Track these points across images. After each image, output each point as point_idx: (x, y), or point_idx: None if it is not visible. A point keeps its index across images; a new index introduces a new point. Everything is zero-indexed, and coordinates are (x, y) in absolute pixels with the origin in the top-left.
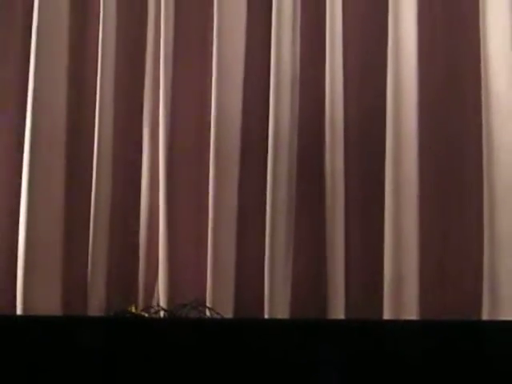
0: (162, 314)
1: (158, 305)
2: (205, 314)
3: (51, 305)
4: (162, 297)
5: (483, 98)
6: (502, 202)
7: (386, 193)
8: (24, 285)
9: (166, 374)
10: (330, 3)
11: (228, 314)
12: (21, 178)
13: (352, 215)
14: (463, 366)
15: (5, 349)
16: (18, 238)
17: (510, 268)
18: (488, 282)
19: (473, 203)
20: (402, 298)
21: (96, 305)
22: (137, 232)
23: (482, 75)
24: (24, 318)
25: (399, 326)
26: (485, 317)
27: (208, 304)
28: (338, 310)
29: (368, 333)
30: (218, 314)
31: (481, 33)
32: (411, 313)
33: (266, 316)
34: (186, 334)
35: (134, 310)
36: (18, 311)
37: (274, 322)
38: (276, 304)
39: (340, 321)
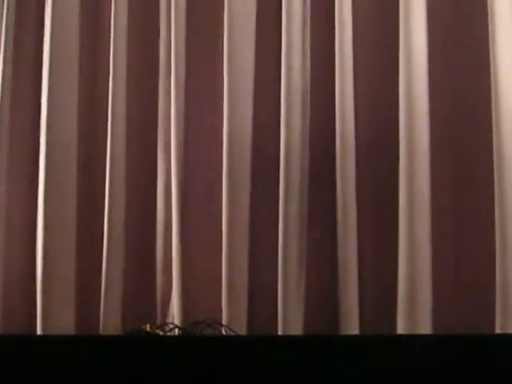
0: (176, 331)
1: (173, 322)
2: (219, 331)
3: (67, 324)
4: (176, 314)
5: (493, 112)
6: (510, 216)
7: (400, 207)
8: (42, 303)
9: None
10: (340, 17)
11: (242, 330)
12: (37, 191)
13: (364, 230)
14: (478, 381)
15: (21, 368)
16: (36, 255)
17: None
18: (500, 295)
19: (485, 216)
20: (415, 313)
21: (110, 323)
22: (152, 249)
23: (493, 89)
24: (39, 338)
25: (413, 341)
26: (498, 330)
27: (222, 321)
28: (351, 326)
29: (382, 348)
30: (232, 331)
31: (490, 47)
32: (425, 328)
33: (280, 332)
34: (200, 351)
35: (148, 328)
36: (38, 331)
37: (288, 338)
38: (289, 320)
39: (354, 336)
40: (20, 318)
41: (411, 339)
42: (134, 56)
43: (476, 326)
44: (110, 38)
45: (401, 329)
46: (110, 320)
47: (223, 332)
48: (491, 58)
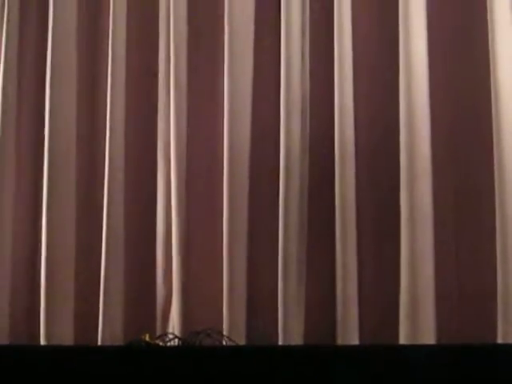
0: (176, 341)
1: (172, 333)
2: (219, 341)
3: (67, 334)
4: (176, 324)
5: (494, 122)
6: (510, 222)
7: (401, 215)
8: (46, 314)
9: None
10: (339, 22)
11: (241, 340)
12: (41, 200)
13: (365, 239)
14: None
15: (22, 378)
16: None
17: None
18: (501, 304)
19: (486, 225)
20: (417, 323)
21: (110, 333)
22: (151, 260)
23: (493, 98)
24: (39, 349)
25: (414, 351)
26: (499, 339)
27: (222, 331)
28: (352, 336)
29: (383, 358)
30: (232, 341)
31: (491, 55)
32: (427, 338)
33: (280, 342)
34: (200, 361)
35: (148, 338)
36: (42, 341)
37: (287, 348)
38: (289, 330)
39: (354, 346)
40: (24, 328)
41: (412, 349)
42: (133, 60)
43: (478, 336)
44: (108, 41)
45: (403, 339)
46: (109, 330)
47: (223, 342)
48: (491, 66)
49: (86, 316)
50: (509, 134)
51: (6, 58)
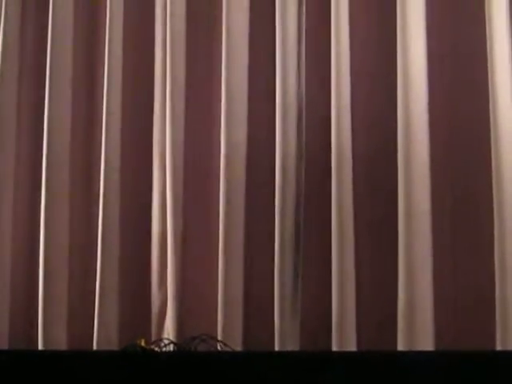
0: (171, 347)
1: (168, 338)
2: (214, 346)
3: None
4: (171, 330)
5: (492, 131)
6: (509, 234)
7: (399, 221)
8: (44, 319)
9: None
10: (336, 28)
11: (237, 346)
12: (39, 207)
13: (362, 244)
14: None
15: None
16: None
17: None
18: (500, 310)
19: (484, 232)
20: (416, 329)
21: (105, 339)
22: (147, 264)
23: (491, 107)
24: (34, 353)
25: (412, 358)
26: (498, 346)
27: (218, 337)
28: (349, 342)
29: (380, 365)
30: (227, 346)
31: (489, 67)
32: (425, 344)
33: (276, 348)
34: (195, 367)
35: (143, 343)
36: (40, 346)
37: (284, 354)
38: (286, 336)
39: (352, 353)
40: (22, 333)
41: (410, 355)
42: (129, 62)
43: (476, 342)
44: (105, 43)
45: (401, 345)
46: (104, 335)
47: (218, 347)
48: (489, 71)
49: (80, 321)
50: (506, 139)
51: (5, 57)
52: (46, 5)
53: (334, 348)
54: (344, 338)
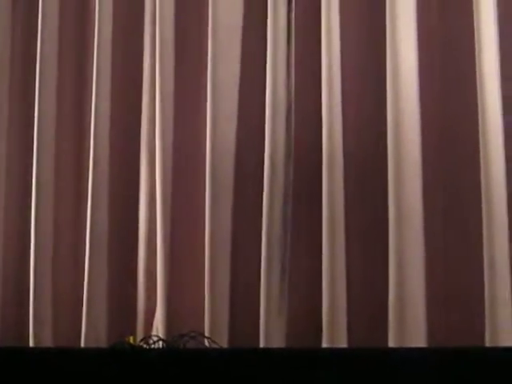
0: (160, 344)
1: (157, 335)
2: (203, 343)
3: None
4: (160, 327)
5: (480, 130)
6: (498, 233)
7: (390, 220)
8: (34, 317)
9: None
10: (327, 29)
11: (225, 343)
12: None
13: (353, 243)
14: None
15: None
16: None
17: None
18: (489, 307)
19: (473, 235)
20: (407, 326)
21: (93, 336)
22: (135, 262)
23: (480, 111)
24: (20, 350)
25: (403, 355)
26: (487, 343)
27: (206, 334)
28: (340, 340)
29: (371, 361)
30: (216, 343)
31: (477, 69)
32: (416, 342)
33: (262, 345)
34: (184, 364)
35: (132, 340)
36: (31, 343)
37: (272, 351)
38: (272, 334)
39: (341, 349)
40: (13, 331)
41: (401, 352)
42: (117, 70)
43: (466, 339)
44: (93, 48)
45: (392, 343)
46: (93, 333)
47: (207, 344)
48: (477, 72)
49: (68, 319)
50: (495, 141)
51: None
52: (35, 7)
53: (325, 346)
54: (335, 335)
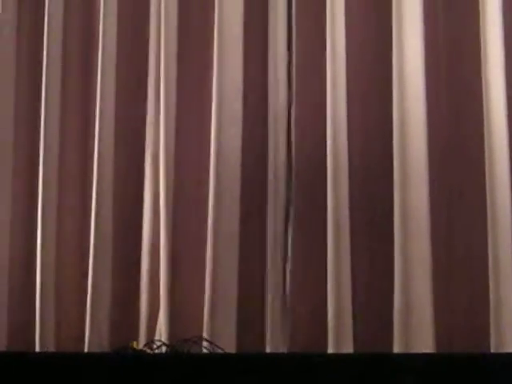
0: (164, 349)
1: (160, 340)
2: (207, 348)
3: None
4: (163, 332)
5: (485, 133)
6: (503, 236)
7: (395, 224)
8: (40, 322)
9: None
10: (331, 33)
11: (230, 348)
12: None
13: (358, 246)
14: None
15: None
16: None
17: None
18: (494, 313)
19: (478, 240)
20: (412, 332)
21: (96, 341)
22: (138, 267)
23: (485, 115)
24: (25, 356)
25: (409, 360)
26: (492, 349)
27: (210, 339)
28: (345, 344)
29: (376, 367)
30: (219, 348)
31: (482, 72)
32: (421, 347)
33: (268, 350)
34: (188, 369)
35: (135, 345)
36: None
37: (276, 356)
38: (277, 338)
39: (346, 355)
40: (20, 336)
41: (406, 358)
42: (122, 74)
43: (471, 345)
44: (98, 46)
45: (397, 347)
46: (95, 337)
47: (211, 349)
48: (483, 74)
49: (72, 324)
50: (500, 139)
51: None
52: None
53: (331, 350)
54: (340, 339)
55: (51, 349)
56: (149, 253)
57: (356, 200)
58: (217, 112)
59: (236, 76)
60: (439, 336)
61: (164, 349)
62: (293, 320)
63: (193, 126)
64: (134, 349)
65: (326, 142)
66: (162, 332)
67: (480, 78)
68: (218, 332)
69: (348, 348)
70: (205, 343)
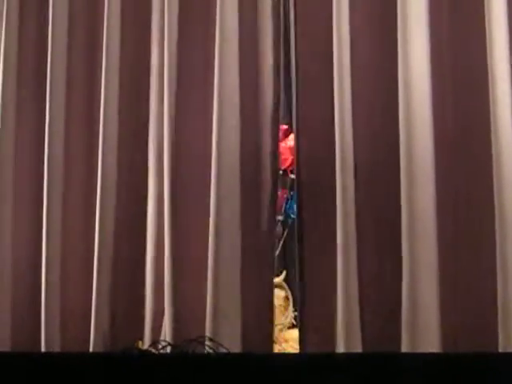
0: (169, 349)
1: (165, 340)
2: (212, 348)
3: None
4: (168, 332)
5: (493, 140)
6: (509, 234)
7: (403, 226)
8: (46, 322)
9: None
10: (338, 38)
11: (234, 348)
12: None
13: (366, 249)
14: None
15: None
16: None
17: None
18: (502, 313)
19: (486, 240)
20: (419, 332)
21: (101, 341)
22: (142, 268)
23: (492, 118)
24: (28, 356)
25: (416, 359)
26: (500, 348)
27: (215, 338)
28: (354, 344)
29: (385, 366)
30: (225, 348)
31: (489, 75)
32: (429, 347)
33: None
34: (193, 369)
35: (140, 345)
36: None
37: (282, 356)
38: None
39: (355, 354)
40: (26, 335)
41: (413, 357)
42: (125, 73)
43: (478, 345)
44: (102, 49)
45: (404, 348)
46: (100, 338)
47: (216, 349)
48: (490, 78)
49: (77, 324)
50: (507, 142)
51: (5, 57)
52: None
53: (340, 349)
54: (350, 340)
55: (56, 349)
56: (153, 254)
57: (362, 203)
58: (218, 111)
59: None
60: (446, 336)
61: (169, 349)
62: (300, 321)
63: (196, 128)
64: (140, 349)
65: (333, 145)
66: (166, 332)
67: (486, 80)
68: (223, 332)
69: (356, 348)
70: (210, 343)
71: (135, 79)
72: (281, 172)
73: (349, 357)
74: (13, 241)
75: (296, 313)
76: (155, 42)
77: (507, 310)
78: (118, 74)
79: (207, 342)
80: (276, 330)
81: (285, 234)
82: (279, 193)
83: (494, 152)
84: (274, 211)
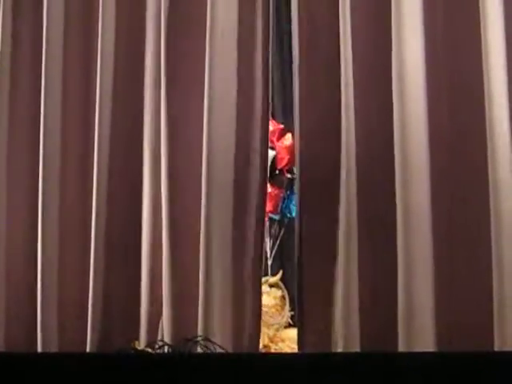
0: (165, 349)
1: (162, 340)
2: (209, 348)
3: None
4: (165, 332)
5: (488, 142)
6: (505, 231)
7: (398, 223)
8: (42, 322)
9: None
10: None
11: (231, 348)
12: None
13: (364, 250)
14: None
15: None
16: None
17: None
18: (497, 312)
19: (482, 240)
20: (415, 331)
21: (97, 341)
22: (139, 268)
23: (487, 117)
24: (25, 357)
25: (412, 359)
26: (496, 347)
27: (213, 338)
28: (353, 344)
29: (380, 366)
30: (222, 348)
31: (485, 74)
32: (425, 345)
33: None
34: (190, 369)
35: (137, 345)
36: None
37: (280, 356)
38: None
39: (353, 354)
40: (21, 336)
41: (410, 357)
42: (120, 73)
43: (474, 344)
44: (97, 48)
45: (401, 346)
46: (97, 338)
47: (213, 349)
48: (485, 76)
49: (74, 324)
50: (502, 142)
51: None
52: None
53: (338, 348)
54: (348, 340)
55: (53, 349)
56: (150, 253)
57: (359, 202)
58: (208, 112)
59: (230, 73)
60: (441, 335)
61: (166, 349)
62: (299, 322)
63: (189, 122)
64: (136, 349)
65: (333, 145)
66: (163, 332)
67: (481, 79)
68: (219, 332)
69: (355, 348)
70: (207, 343)
71: (130, 78)
72: (277, 171)
73: (347, 356)
74: (7, 242)
75: (292, 312)
76: (150, 42)
77: (503, 309)
78: (112, 74)
79: (203, 342)
80: (273, 329)
81: (281, 233)
82: (276, 192)
83: (488, 149)
84: (263, 209)
